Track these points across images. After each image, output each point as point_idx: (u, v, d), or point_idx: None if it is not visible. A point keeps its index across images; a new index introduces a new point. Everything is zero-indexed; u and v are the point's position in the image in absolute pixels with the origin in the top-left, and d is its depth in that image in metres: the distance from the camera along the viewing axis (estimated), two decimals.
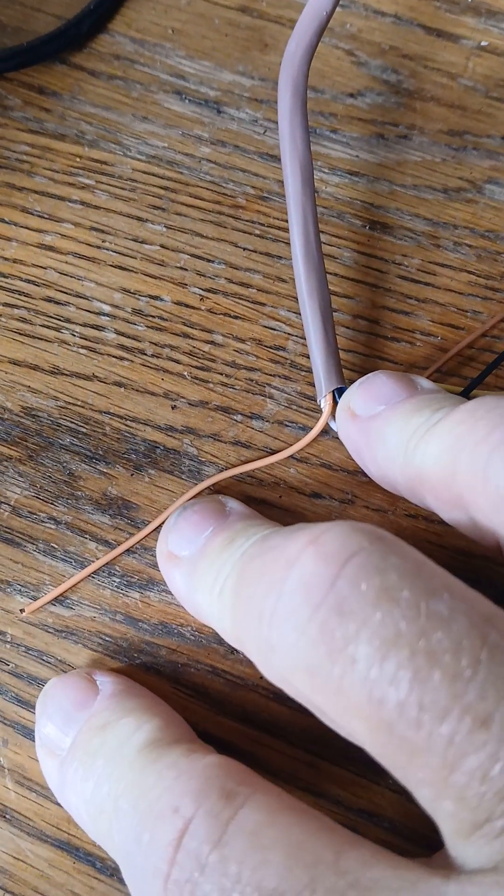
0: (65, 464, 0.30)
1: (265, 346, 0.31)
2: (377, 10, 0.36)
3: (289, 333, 0.31)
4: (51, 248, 0.33)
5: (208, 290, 0.32)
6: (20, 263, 0.32)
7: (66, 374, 0.31)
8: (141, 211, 0.33)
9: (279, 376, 0.31)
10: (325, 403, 0.29)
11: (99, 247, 0.32)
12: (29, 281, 0.32)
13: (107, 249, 0.32)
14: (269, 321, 0.31)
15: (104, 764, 0.23)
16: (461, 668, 0.19)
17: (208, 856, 0.19)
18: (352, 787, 0.26)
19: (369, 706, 0.19)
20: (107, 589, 0.28)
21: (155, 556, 0.28)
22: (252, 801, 0.20)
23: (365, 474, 0.29)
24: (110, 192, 0.33)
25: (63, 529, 0.29)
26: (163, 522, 0.28)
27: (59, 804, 0.26)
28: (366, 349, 0.31)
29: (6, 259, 0.32)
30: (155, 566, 0.28)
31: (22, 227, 0.33)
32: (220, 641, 0.28)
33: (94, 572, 0.29)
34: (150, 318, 0.31)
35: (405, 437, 0.25)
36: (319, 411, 0.30)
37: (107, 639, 0.28)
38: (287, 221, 0.30)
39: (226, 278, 0.32)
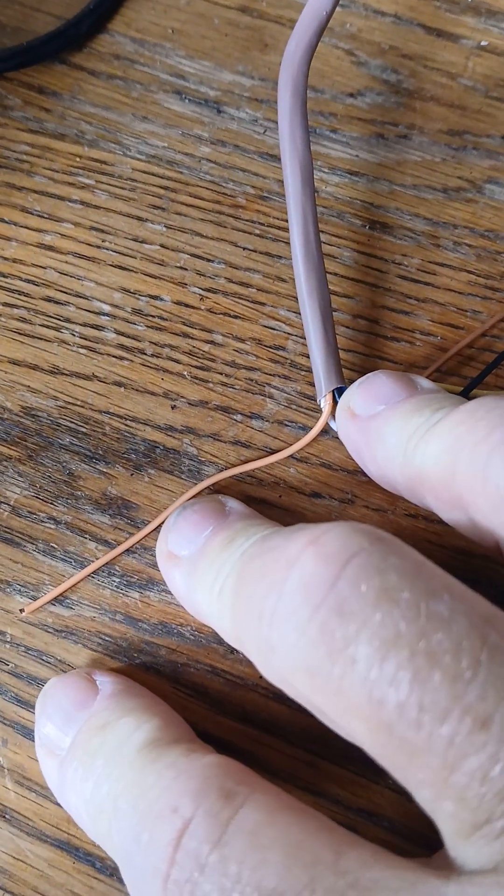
0: (64, 463, 0.30)
1: (265, 346, 0.31)
2: (377, 9, 0.36)
3: (288, 333, 0.31)
4: (50, 248, 0.33)
5: (208, 290, 0.32)
6: (20, 263, 0.32)
7: (66, 374, 0.31)
8: (141, 210, 0.33)
9: (279, 376, 0.31)
10: (324, 403, 0.29)
11: (99, 246, 0.32)
12: (29, 281, 0.32)
13: (107, 249, 0.32)
14: (269, 321, 0.31)
15: (104, 764, 0.23)
16: (461, 668, 0.19)
17: (208, 856, 0.19)
18: (351, 787, 0.26)
19: (369, 707, 0.19)
20: (106, 589, 0.28)
21: (155, 556, 0.28)
22: (251, 800, 0.20)
23: (364, 474, 0.29)
24: (110, 191, 0.33)
25: (63, 529, 0.29)
26: (162, 522, 0.28)
27: (58, 804, 0.26)
28: (366, 349, 0.31)
29: (6, 259, 0.32)
30: (155, 566, 0.28)
31: (22, 226, 0.33)
32: (220, 641, 0.28)
33: (94, 572, 0.29)
34: (150, 318, 0.31)
35: (405, 437, 0.25)
36: (319, 411, 0.30)
37: (106, 639, 0.28)
38: (287, 221, 0.30)
39: (226, 278, 0.32)
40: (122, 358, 0.31)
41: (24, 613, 0.28)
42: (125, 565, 0.29)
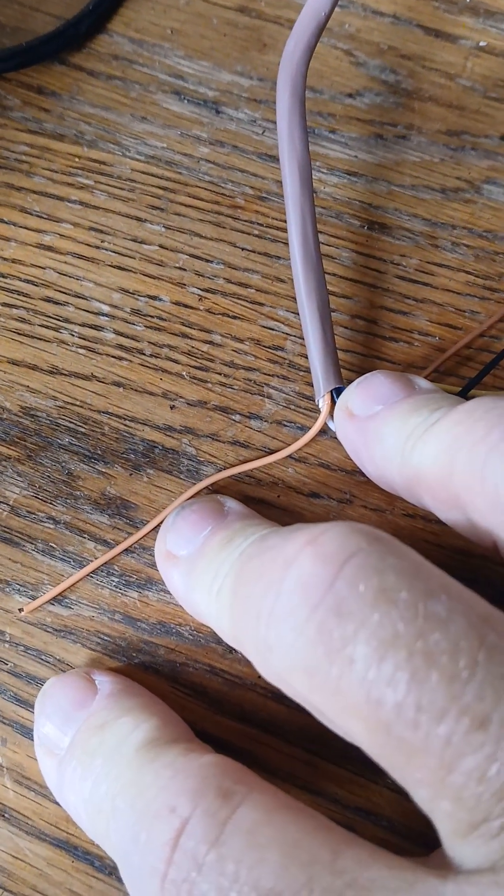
0: (63, 463, 0.30)
1: (264, 346, 0.31)
2: (376, 10, 0.36)
3: (287, 333, 0.31)
4: (50, 248, 0.33)
5: (207, 290, 0.32)
6: (19, 263, 0.32)
7: (65, 374, 0.31)
8: (140, 211, 0.33)
9: (277, 376, 0.31)
10: (323, 403, 0.29)
11: (98, 247, 0.33)
12: (28, 281, 0.32)
13: (105, 249, 0.32)
14: (268, 321, 0.31)
15: (102, 763, 0.23)
16: (459, 669, 0.19)
17: (206, 855, 0.20)
18: (349, 786, 0.26)
19: (367, 707, 0.19)
20: (105, 588, 0.28)
21: (153, 556, 0.28)
22: (249, 800, 0.21)
23: (363, 474, 0.29)
24: (109, 192, 0.33)
25: (62, 529, 0.29)
26: (161, 522, 0.28)
27: (57, 803, 0.26)
28: (364, 349, 0.31)
29: (5, 259, 0.32)
30: (153, 566, 0.28)
31: (21, 227, 0.33)
32: (219, 641, 0.28)
33: (93, 572, 0.29)
34: (149, 318, 0.31)
35: (403, 437, 0.25)
36: (318, 411, 0.30)
37: (105, 638, 0.28)
38: (285, 221, 0.30)
39: (224, 278, 0.32)
40: (120, 358, 0.31)
41: (23, 613, 0.28)
42: (124, 565, 0.29)
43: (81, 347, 0.31)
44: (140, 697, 0.26)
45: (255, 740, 0.27)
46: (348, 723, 0.20)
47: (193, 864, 0.20)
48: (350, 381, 0.28)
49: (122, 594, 0.28)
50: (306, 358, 0.30)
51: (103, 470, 0.30)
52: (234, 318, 0.31)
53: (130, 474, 0.30)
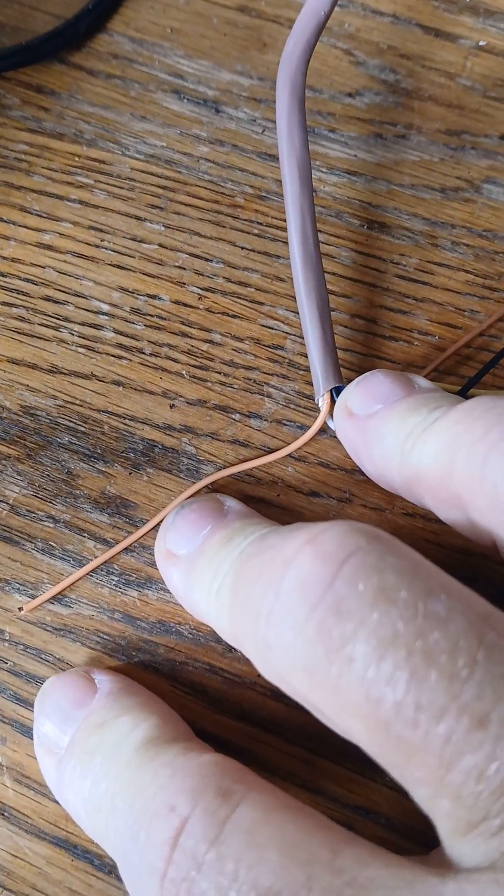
0: (63, 462, 0.30)
1: (263, 345, 0.31)
2: (375, 9, 0.36)
3: (287, 332, 0.31)
4: (49, 247, 0.33)
5: (206, 289, 0.32)
6: (19, 262, 0.32)
7: (65, 373, 0.31)
8: (139, 210, 0.33)
9: (277, 375, 0.31)
10: (322, 402, 0.29)
11: (97, 246, 0.33)
12: (27, 280, 0.32)
13: (105, 248, 0.32)
14: (268, 320, 0.31)
15: (102, 762, 0.23)
16: (458, 668, 0.19)
17: (205, 854, 0.20)
18: (348, 784, 0.26)
19: (366, 706, 0.19)
20: (105, 587, 0.28)
21: (153, 555, 0.28)
22: (248, 799, 0.21)
23: (362, 473, 0.29)
24: (109, 191, 0.33)
25: (61, 528, 0.29)
26: (161, 521, 0.28)
27: (56, 802, 0.26)
28: (364, 348, 0.31)
29: (4, 258, 0.32)
30: (153, 564, 0.28)
31: (20, 226, 0.33)
32: (218, 639, 0.28)
33: (93, 571, 0.29)
34: (149, 317, 0.31)
35: (402, 436, 0.25)
36: (317, 410, 0.30)
37: (105, 637, 0.28)
38: (285, 221, 0.30)
39: (224, 277, 0.32)
40: (120, 357, 0.31)
41: (22, 612, 0.28)
42: (123, 564, 0.29)
43: (81, 346, 0.31)
44: (139, 696, 0.26)
45: (254, 739, 0.27)
46: (348, 721, 0.20)
47: (193, 862, 0.20)
48: (350, 381, 0.28)
49: (121, 593, 0.28)
50: (306, 357, 0.30)
51: (103, 469, 0.30)
52: (234, 317, 0.31)
53: (130, 473, 0.30)
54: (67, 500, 0.29)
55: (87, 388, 0.31)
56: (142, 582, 0.28)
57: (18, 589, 0.29)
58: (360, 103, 0.35)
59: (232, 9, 0.36)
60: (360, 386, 0.27)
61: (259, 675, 0.27)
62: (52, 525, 0.29)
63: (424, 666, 0.19)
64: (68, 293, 0.32)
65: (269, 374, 0.31)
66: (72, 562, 0.29)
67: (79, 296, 0.32)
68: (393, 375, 0.27)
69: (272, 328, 0.31)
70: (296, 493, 0.29)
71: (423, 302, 0.32)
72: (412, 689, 0.19)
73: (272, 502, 0.29)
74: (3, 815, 0.27)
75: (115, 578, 0.29)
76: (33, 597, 0.28)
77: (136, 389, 0.31)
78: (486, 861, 0.19)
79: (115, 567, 0.29)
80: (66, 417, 0.30)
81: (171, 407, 0.30)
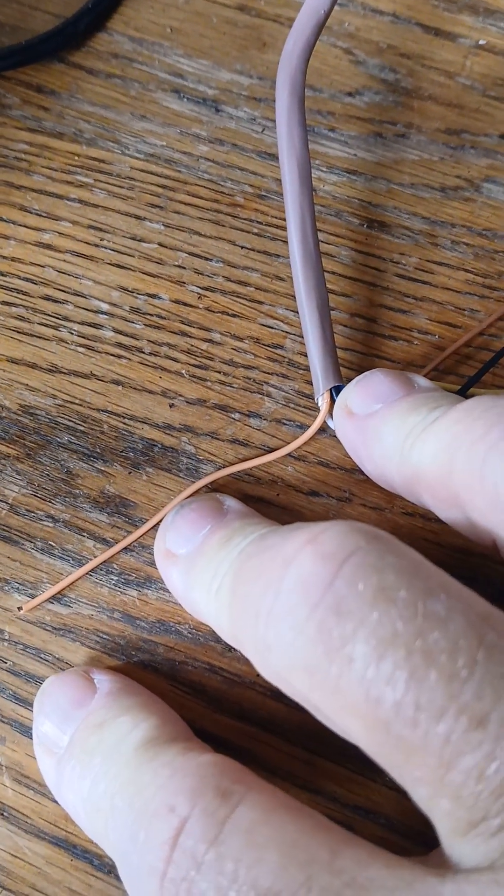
0: (63, 462, 0.30)
1: (263, 345, 0.31)
2: (375, 8, 0.36)
3: (286, 332, 0.31)
4: (49, 247, 0.33)
5: (206, 289, 0.32)
6: (18, 262, 0.32)
7: (64, 373, 0.31)
8: (139, 209, 0.33)
9: (277, 374, 0.31)
10: (322, 401, 0.29)
11: (97, 245, 0.33)
12: (27, 279, 0.32)
13: (105, 248, 0.32)
14: (267, 319, 0.31)
15: (101, 762, 0.23)
16: (458, 668, 0.19)
17: (204, 854, 0.20)
18: (348, 784, 0.26)
19: (366, 705, 0.19)
20: (104, 587, 0.28)
21: (152, 554, 0.28)
22: (247, 799, 0.21)
23: (362, 472, 0.29)
24: (108, 190, 0.33)
25: (61, 527, 0.29)
26: (160, 520, 0.28)
27: (56, 802, 0.26)
28: (363, 347, 0.31)
29: (4, 257, 0.32)
30: (152, 564, 0.28)
31: (20, 225, 0.33)
32: (218, 639, 0.28)
33: (92, 570, 0.29)
34: (148, 317, 0.31)
35: (402, 436, 0.25)
36: (317, 409, 0.30)
37: (104, 636, 0.28)
38: (285, 220, 0.30)
39: (224, 276, 0.32)
40: (120, 356, 0.31)
41: (21, 611, 0.28)
42: (123, 563, 0.29)
43: (81, 346, 0.31)
44: (139, 696, 0.26)
45: (254, 738, 0.27)
46: (347, 721, 0.20)
47: (192, 862, 0.20)
48: (349, 380, 0.28)
49: (121, 592, 0.28)
50: (305, 356, 0.30)
51: (102, 468, 0.30)
52: (234, 316, 0.31)
53: (129, 472, 0.30)
54: (67, 499, 0.29)
55: (86, 387, 0.31)
56: (141, 581, 0.28)
57: (18, 588, 0.29)
58: (359, 102, 0.35)
59: (232, 8, 0.36)
60: (359, 385, 0.27)
61: (258, 675, 0.27)
62: (51, 524, 0.29)
63: (424, 666, 0.19)
64: (68, 292, 0.32)
65: (268, 373, 0.31)
66: (71, 561, 0.29)
67: (78, 295, 0.32)
68: (392, 374, 0.27)
69: (272, 327, 0.31)
70: (295, 493, 0.29)
71: (423, 301, 0.32)
72: (412, 688, 0.19)
73: (272, 502, 0.29)
74: (2, 814, 0.27)
75: (115, 578, 0.28)
76: (33, 596, 0.28)
77: (135, 389, 0.30)
78: (485, 861, 0.19)
79: (115, 566, 0.29)
80: (66, 417, 0.30)
81: (170, 406, 0.30)
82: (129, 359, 0.31)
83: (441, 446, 0.24)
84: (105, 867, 0.26)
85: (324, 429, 0.30)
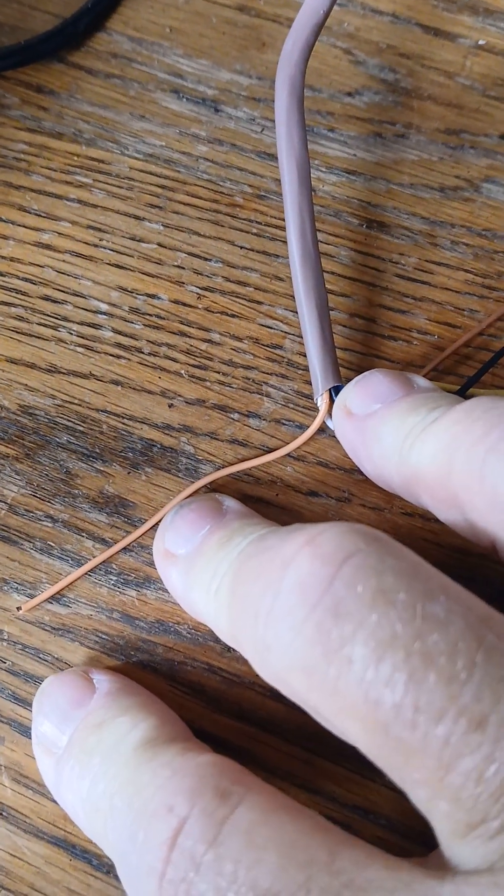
0: (62, 462, 0.30)
1: (262, 345, 0.31)
2: (375, 8, 0.36)
3: (286, 332, 0.31)
4: (48, 247, 0.33)
5: (205, 289, 0.32)
6: (17, 262, 0.32)
7: (64, 373, 0.31)
8: (138, 209, 0.33)
9: (276, 375, 0.31)
10: (321, 402, 0.29)
11: (96, 245, 0.32)
12: (26, 279, 0.32)
13: (104, 248, 0.32)
14: (267, 319, 0.31)
15: (100, 762, 0.23)
16: (457, 670, 0.19)
17: (203, 855, 0.20)
18: (347, 784, 0.26)
19: (365, 707, 0.19)
20: (103, 587, 0.28)
21: (152, 555, 0.28)
22: (247, 800, 0.21)
23: (361, 472, 0.29)
24: (108, 190, 0.33)
25: (60, 527, 0.29)
26: (159, 520, 0.28)
27: (55, 801, 0.26)
28: (363, 347, 0.31)
29: (3, 257, 0.32)
30: (152, 564, 0.28)
31: (19, 225, 0.33)
32: (217, 639, 0.28)
33: (91, 570, 0.29)
34: (148, 317, 0.31)
35: (401, 436, 0.25)
36: (316, 410, 0.30)
37: (103, 636, 0.28)
38: (284, 220, 0.30)
39: (223, 277, 0.32)
40: (119, 356, 0.31)
41: (21, 611, 0.28)
42: (122, 563, 0.29)
43: (80, 346, 0.31)
44: (138, 696, 0.26)
45: (253, 739, 0.27)
46: (346, 723, 0.20)
47: (191, 863, 0.20)
48: (349, 380, 0.28)
49: (120, 593, 0.28)
50: (305, 356, 0.30)
51: (101, 468, 0.30)
52: (233, 316, 0.31)
53: (129, 473, 0.30)
54: (66, 499, 0.29)
55: (85, 387, 0.31)
56: (140, 581, 0.28)
57: (17, 588, 0.29)
58: (359, 102, 0.34)
59: (231, 8, 0.36)
60: (358, 385, 0.27)
61: (258, 675, 0.27)
62: (50, 524, 0.29)
63: (423, 667, 0.19)
64: (67, 292, 0.32)
65: (267, 373, 0.31)
66: (70, 561, 0.29)
67: (77, 295, 0.32)
68: (392, 375, 0.27)
69: (271, 327, 0.31)
70: (295, 493, 0.29)
71: (423, 301, 0.32)
72: (411, 690, 0.19)
73: (271, 502, 0.29)
74: (1, 814, 0.27)
75: (114, 578, 0.29)
76: (32, 596, 0.28)
77: (134, 389, 0.30)
78: (484, 863, 0.19)
79: (114, 567, 0.29)
80: (65, 417, 0.30)
81: (169, 406, 0.30)
82: (129, 359, 0.31)
83: (440, 447, 0.24)
84: (104, 867, 0.26)
85: (323, 429, 0.30)
